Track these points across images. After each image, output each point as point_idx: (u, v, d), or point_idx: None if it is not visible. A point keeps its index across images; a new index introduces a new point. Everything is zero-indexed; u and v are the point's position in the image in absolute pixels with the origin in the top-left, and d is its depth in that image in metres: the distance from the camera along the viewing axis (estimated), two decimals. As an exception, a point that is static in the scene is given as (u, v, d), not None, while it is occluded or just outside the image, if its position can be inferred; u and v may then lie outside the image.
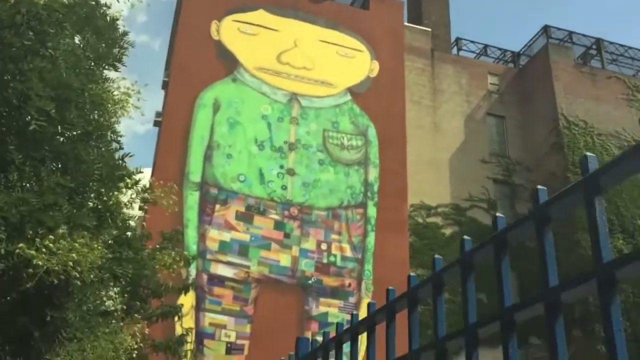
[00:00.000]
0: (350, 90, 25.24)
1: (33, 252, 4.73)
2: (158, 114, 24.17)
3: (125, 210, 5.57)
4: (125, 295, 5.88)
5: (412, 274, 2.16)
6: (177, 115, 22.64)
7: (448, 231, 26.44)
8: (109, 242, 5.40)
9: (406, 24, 29.79)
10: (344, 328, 2.51)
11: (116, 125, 5.81)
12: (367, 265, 22.61)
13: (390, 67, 26.27)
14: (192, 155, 22.04)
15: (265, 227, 21.90)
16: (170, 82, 23.59)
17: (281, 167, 22.98)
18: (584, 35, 31.95)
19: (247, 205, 21.97)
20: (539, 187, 1.68)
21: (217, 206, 21.64)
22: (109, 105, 5.35)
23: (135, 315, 6.11)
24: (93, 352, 5.13)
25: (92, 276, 4.95)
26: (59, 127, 5.23)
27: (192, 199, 21.41)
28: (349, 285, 22.16)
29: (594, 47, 31.77)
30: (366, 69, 25.90)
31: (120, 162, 5.67)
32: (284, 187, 22.67)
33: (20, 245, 4.75)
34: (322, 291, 21.59)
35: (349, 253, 22.63)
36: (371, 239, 23.06)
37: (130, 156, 5.90)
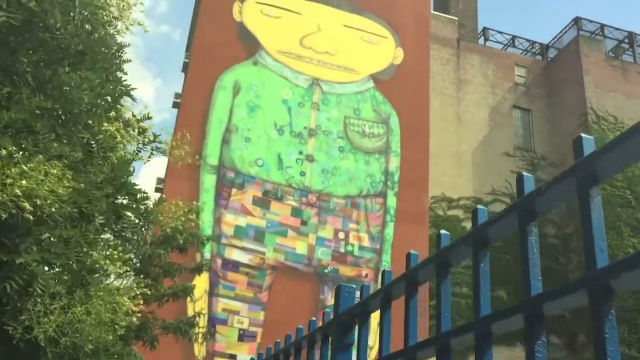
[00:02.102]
0: (373, 77, 24.66)
1: None
2: (177, 95, 23.80)
3: (121, 147, 4.96)
4: (123, 253, 5.27)
5: (412, 251, 1.69)
6: (197, 97, 22.24)
7: (469, 225, 25.79)
8: (98, 181, 4.80)
9: (432, 12, 29.09)
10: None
11: (116, 39, 5.19)
12: (385, 256, 22.08)
13: (415, 55, 25.63)
14: (210, 138, 21.64)
15: (282, 213, 21.46)
16: (190, 64, 23.20)
17: (300, 152, 22.50)
18: (615, 29, 30.99)
19: (265, 190, 21.54)
20: (524, 173, 1.33)
21: (234, 190, 21.24)
22: (104, 14, 4.74)
23: (140, 285, 5.56)
24: (85, 312, 4.55)
25: (53, 209, 4.27)
26: (39, 25, 4.49)
27: (209, 182, 21.02)
28: (366, 275, 21.65)
29: (625, 40, 30.82)
30: (390, 56, 25.29)
31: (112, 87, 5.03)
32: (303, 174, 22.20)
33: None
34: (338, 280, 21.09)
35: (366, 243, 22.13)
36: (390, 229, 22.53)
37: (133, 89, 5.31)
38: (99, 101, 4.71)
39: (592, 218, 1.11)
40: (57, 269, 4.65)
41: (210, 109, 22.10)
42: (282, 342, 2.67)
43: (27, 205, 4.20)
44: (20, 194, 4.32)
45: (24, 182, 4.30)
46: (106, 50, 5.16)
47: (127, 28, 5.29)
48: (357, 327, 1.85)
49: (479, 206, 1.43)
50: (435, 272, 1.50)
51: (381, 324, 1.67)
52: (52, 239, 4.53)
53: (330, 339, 2.00)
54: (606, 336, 1.01)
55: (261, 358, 3.19)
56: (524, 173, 1.33)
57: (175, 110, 23.79)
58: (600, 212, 1.13)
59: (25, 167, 4.37)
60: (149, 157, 5.70)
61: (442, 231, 1.56)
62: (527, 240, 1.24)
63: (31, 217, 4.42)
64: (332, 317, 2.00)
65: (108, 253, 5.19)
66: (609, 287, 1.04)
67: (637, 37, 30.87)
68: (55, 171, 4.46)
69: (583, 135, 1.19)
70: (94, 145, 4.90)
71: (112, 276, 6.93)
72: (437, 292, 1.46)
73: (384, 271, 1.79)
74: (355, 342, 1.88)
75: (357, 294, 1.96)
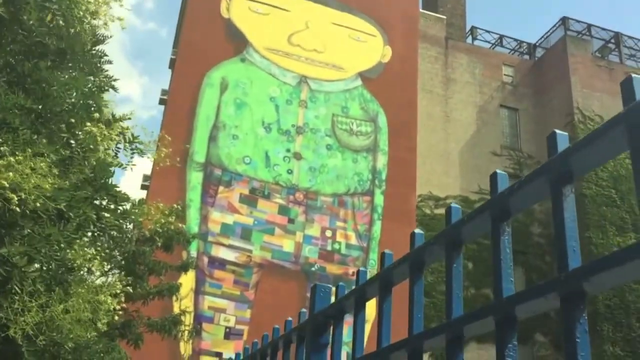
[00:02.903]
0: (361, 75, 24.64)
1: None
2: (164, 92, 23.65)
3: (102, 148, 4.89)
4: (103, 253, 5.19)
5: (387, 251, 1.67)
6: (184, 94, 22.11)
7: (456, 223, 25.86)
8: (79, 182, 4.73)
9: (421, 10, 29.11)
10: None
11: (96, 35, 5.08)
12: (372, 255, 22.09)
13: (404, 53, 25.64)
14: (197, 135, 21.52)
15: (269, 211, 21.39)
16: (177, 60, 23.05)
17: (288, 150, 22.44)
18: (602, 29, 31.19)
19: (252, 188, 21.46)
20: (498, 171, 1.29)
21: (221, 188, 21.14)
22: (79, 10, 4.64)
23: (122, 282, 5.48)
24: (63, 311, 4.47)
25: (37, 204, 4.21)
26: (12, 30, 4.40)
27: (196, 179, 20.91)
28: (353, 274, 21.62)
29: (612, 41, 31.02)
30: (378, 54, 25.28)
31: (99, 88, 4.96)
32: (290, 171, 22.14)
33: None
34: (325, 279, 21.06)
35: (354, 241, 22.12)
36: (377, 227, 22.54)
37: (115, 80, 5.22)
38: (82, 101, 4.63)
39: (564, 217, 1.08)
40: (36, 265, 4.58)
41: (197, 106, 21.98)
42: (260, 343, 2.63)
43: (14, 197, 4.13)
44: (7, 185, 4.26)
45: (10, 174, 4.23)
46: (87, 48, 5.09)
47: (105, 24, 5.20)
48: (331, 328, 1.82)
49: (453, 204, 1.39)
50: (408, 273, 1.46)
51: (354, 325, 1.64)
52: (34, 235, 4.45)
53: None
54: (577, 340, 0.98)
55: (239, 358, 3.15)
56: (498, 171, 1.29)
57: (163, 107, 23.64)
58: (573, 211, 1.09)
59: (12, 159, 4.30)
60: (130, 159, 5.63)
61: (416, 230, 1.52)
62: (499, 240, 1.20)
63: (18, 209, 4.36)
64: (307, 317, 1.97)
65: (88, 251, 5.12)
66: (580, 289, 1.00)
67: (624, 38, 31.09)
68: (43, 165, 4.40)
69: (557, 131, 1.16)
70: (74, 145, 4.83)
71: (97, 274, 6.86)
72: (410, 292, 1.43)
73: (358, 271, 1.76)
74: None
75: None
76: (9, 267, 4.45)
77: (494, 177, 1.27)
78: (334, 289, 1.94)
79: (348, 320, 1.82)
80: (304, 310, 2.13)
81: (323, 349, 1.82)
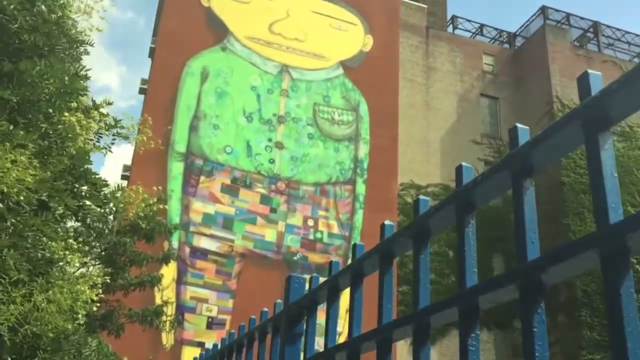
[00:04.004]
0: (343, 64, 24.62)
1: None
2: (144, 82, 23.43)
3: (82, 137, 4.84)
4: (83, 244, 5.16)
5: (358, 243, 1.70)
6: (164, 83, 21.94)
7: (437, 212, 26.05)
8: (59, 172, 4.69)
9: (402, -1, 29.09)
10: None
11: (75, 31, 5.04)
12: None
13: (385, 42, 25.65)
14: (177, 125, 21.39)
15: (251, 200, 21.37)
16: (157, 49, 22.84)
17: (269, 140, 22.40)
18: (581, 18, 31.45)
19: (233, 177, 21.41)
20: (463, 164, 1.31)
21: (202, 177, 21.07)
22: (55, 2, 4.60)
23: (100, 274, 5.45)
24: (45, 301, 4.45)
25: (21, 197, 4.18)
26: None
27: (177, 169, 20.81)
28: (335, 262, 21.76)
29: (591, 30, 31.30)
30: (360, 43, 25.26)
31: (75, 76, 4.89)
32: (272, 161, 22.12)
33: None
34: (307, 268, 21.13)
35: (336, 230, 22.19)
36: (359, 216, 22.63)
37: (87, 70, 5.17)
38: (61, 90, 4.58)
39: (524, 210, 1.10)
40: (18, 257, 4.55)
41: (177, 96, 21.83)
42: (236, 334, 2.66)
43: None
44: None
45: None
46: (64, 40, 5.04)
47: (85, 12, 5.15)
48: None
49: (421, 197, 1.42)
50: (378, 264, 1.49)
51: (327, 315, 1.67)
52: (19, 226, 4.42)
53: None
54: (534, 330, 1.01)
55: (216, 348, 3.17)
56: (464, 163, 1.31)
57: (142, 97, 23.44)
58: (533, 204, 1.12)
59: None
60: (111, 143, 5.59)
61: (387, 222, 1.55)
62: (464, 232, 1.23)
63: (1, 205, 4.32)
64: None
65: (69, 242, 5.09)
66: (538, 280, 1.03)
67: (602, 27, 31.37)
68: (23, 158, 4.35)
69: (518, 125, 1.18)
70: (52, 136, 4.78)
71: (76, 265, 6.81)
72: (380, 283, 1.46)
73: (330, 262, 1.78)
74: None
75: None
76: None
77: (459, 169, 1.29)
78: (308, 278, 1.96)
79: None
80: (279, 301, 2.15)
81: (298, 338, 1.86)
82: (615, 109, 0.99)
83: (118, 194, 5.86)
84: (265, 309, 2.34)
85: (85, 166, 4.99)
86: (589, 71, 1.08)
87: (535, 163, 1.12)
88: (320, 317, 1.80)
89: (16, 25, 4.77)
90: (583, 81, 1.06)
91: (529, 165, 1.12)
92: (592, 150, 1.00)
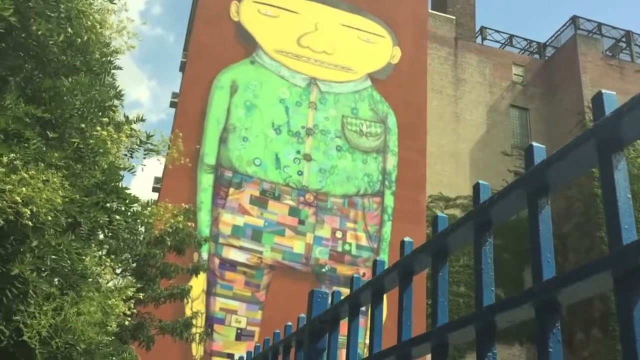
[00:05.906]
0: (371, 76, 24.66)
1: None
2: (174, 95, 23.80)
3: (113, 152, 4.93)
4: (114, 256, 5.26)
5: (379, 258, 1.71)
6: (194, 96, 22.24)
7: (466, 224, 25.80)
8: (90, 187, 4.78)
9: (430, 11, 29.08)
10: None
11: (108, 44, 5.15)
12: (382, 255, 22.08)
13: (413, 54, 25.63)
14: (207, 137, 21.64)
15: (279, 212, 21.47)
16: (187, 63, 23.19)
17: (298, 152, 22.51)
18: (613, 27, 30.99)
19: (262, 189, 21.55)
20: (480, 182, 1.31)
21: (232, 189, 21.24)
22: (88, 20, 4.71)
23: (131, 288, 5.54)
24: (76, 314, 4.53)
25: (49, 218, 4.26)
26: (22, 39, 4.45)
27: (207, 181, 21.03)
28: (364, 275, 21.63)
29: (623, 39, 30.81)
30: (388, 55, 25.29)
31: (105, 91, 4.99)
32: (300, 173, 22.21)
33: None
34: (335, 280, 21.12)
35: (364, 242, 22.14)
36: (387, 228, 22.54)
37: (120, 92, 5.28)
38: (92, 105, 4.69)
39: (539, 229, 1.12)
40: (47, 272, 4.64)
41: (207, 109, 22.10)
42: (262, 347, 2.69)
43: (27, 211, 4.18)
44: (20, 200, 4.29)
45: (24, 189, 4.27)
46: (97, 57, 5.16)
47: (119, 32, 5.29)
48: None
49: (439, 214, 1.44)
50: (398, 281, 1.51)
51: (348, 330, 1.69)
52: (41, 247, 4.51)
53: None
54: (550, 350, 1.02)
55: (250, 356, 3.21)
56: (481, 182, 1.32)
57: (173, 110, 23.80)
58: (549, 223, 1.13)
59: (25, 175, 4.34)
60: (144, 158, 5.69)
61: (406, 238, 1.57)
62: (481, 250, 1.24)
63: (30, 223, 4.40)
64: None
65: (101, 254, 5.19)
66: (554, 300, 1.04)
67: (635, 36, 30.87)
68: (55, 180, 4.43)
69: (534, 144, 1.19)
70: (83, 150, 4.89)
71: (107, 277, 6.94)
72: (400, 300, 1.48)
73: (352, 277, 1.81)
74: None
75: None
76: (22, 283, 4.51)
77: (476, 187, 1.30)
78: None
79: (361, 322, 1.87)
80: (302, 315, 2.18)
81: (320, 353, 1.88)
82: (628, 129, 1.00)
83: (147, 210, 5.96)
84: (290, 323, 2.37)
85: (117, 182, 5.10)
86: (603, 91, 1.10)
87: (551, 182, 1.13)
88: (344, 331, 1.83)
89: (52, 42, 4.91)
90: (597, 101, 1.08)
91: (544, 185, 1.13)
92: (605, 170, 1.02)
